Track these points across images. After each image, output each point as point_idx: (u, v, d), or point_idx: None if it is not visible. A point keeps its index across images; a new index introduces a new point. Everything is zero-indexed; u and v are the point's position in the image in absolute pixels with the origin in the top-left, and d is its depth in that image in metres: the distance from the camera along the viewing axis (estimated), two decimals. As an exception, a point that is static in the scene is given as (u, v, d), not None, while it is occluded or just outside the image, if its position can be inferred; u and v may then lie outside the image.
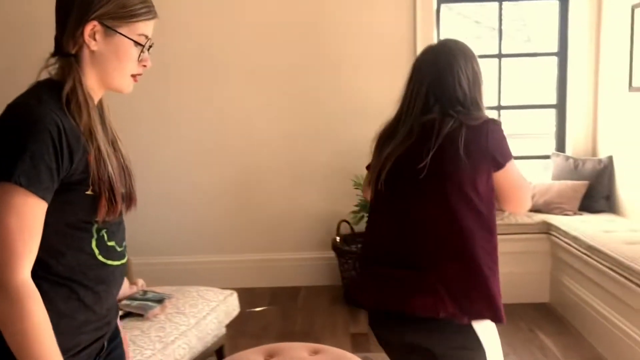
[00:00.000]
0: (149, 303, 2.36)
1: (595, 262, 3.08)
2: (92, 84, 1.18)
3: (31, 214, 1.03)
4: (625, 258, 2.79)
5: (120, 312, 2.31)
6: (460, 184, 1.52)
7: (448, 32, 4.36)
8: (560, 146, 4.22)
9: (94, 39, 1.15)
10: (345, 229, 4.00)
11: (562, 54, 4.16)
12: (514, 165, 1.62)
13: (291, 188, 4.26)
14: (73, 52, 1.15)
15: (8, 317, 1.01)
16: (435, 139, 1.52)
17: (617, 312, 2.92)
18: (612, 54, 3.81)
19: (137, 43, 1.18)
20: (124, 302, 2.39)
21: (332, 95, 4.17)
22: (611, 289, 2.95)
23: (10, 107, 1.08)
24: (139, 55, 1.20)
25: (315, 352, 2.09)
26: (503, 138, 1.60)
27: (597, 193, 3.85)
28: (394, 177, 1.58)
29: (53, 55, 1.18)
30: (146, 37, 1.20)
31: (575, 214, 3.77)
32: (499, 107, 4.25)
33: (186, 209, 4.31)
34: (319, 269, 4.24)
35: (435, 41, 4.03)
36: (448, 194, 1.52)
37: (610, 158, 3.84)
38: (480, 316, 1.52)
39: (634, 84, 3.52)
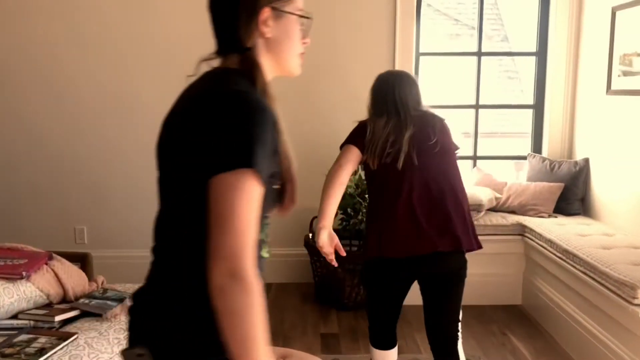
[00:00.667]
0: (109, 302, 2.23)
1: (570, 266, 3.05)
2: (266, 74, 1.17)
3: (257, 201, 1.02)
4: (601, 263, 2.75)
5: (77, 312, 2.18)
6: (454, 156, 2.27)
7: (426, 28, 4.29)
8: (537, 147, 4.18)
9: (267, 26, 1.15)
10: (318, 225, 3.90)
11: (541, 54, 4.12)
12: None
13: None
14: (249, 45, 1.13)
15: (242, 308, 0.98)
16: (436, 125, 2.24)
17: (591, 318, 2.89)
18: (592, 56, 3.78)
19: (303, 17, 1.21)
20: (82, 300, 2.25)
21: (305, 90, 4.06)
22: (586, 294, 2.91)
23: (231, 95, 1.05)
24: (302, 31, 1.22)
25: (283, 358, 1.99)
26: None
27: (572, 195, 3.83)
28: (412, 152, 2.17)
29: (222, 53, 1.16)
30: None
31: (550, 216, 3.75)
32: (477, 106, 4.19)
33: (154, 200, 4.16)
34: (290, 265, 4.15)
35: (414, 36, 4.00)
36: (452, 162, 2.24)
37: (586, 160, 3.82)
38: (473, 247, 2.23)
39: (612, 87, 3.50)
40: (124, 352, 1.14)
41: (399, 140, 2.17)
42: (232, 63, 1.14)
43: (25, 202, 4.13)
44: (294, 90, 4.07)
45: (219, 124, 1.01)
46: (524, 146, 4.33)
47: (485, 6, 4.16)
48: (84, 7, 3.97)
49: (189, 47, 4.13)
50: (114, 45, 4.00)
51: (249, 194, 0.99)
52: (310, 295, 3.91)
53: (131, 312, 1.18)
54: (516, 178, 4.29)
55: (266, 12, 1.14)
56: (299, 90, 4.05)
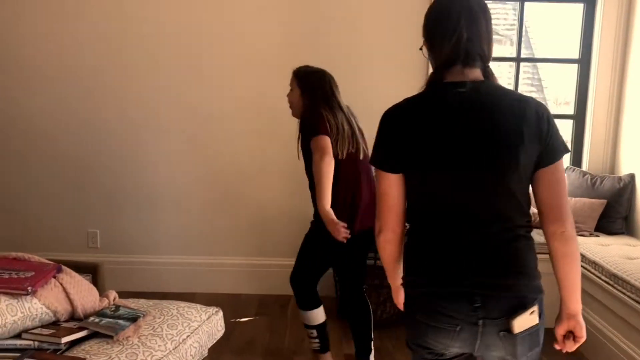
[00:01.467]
0: (120, 322, 2.04)
1: (617, 292, 2.81)
2: None
3: None
4: (658, 293, 2.51)
5: (85, 332, 1.99)
6: None
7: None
8: (577, 160, 3.94)
9: None
10: (342, 237, 3.68)
11: (584, 61, 3.87)
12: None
13: (285, 187, 3.96)
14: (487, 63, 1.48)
15: (577, 249, 1.43)
16: None
17: (641, 350, 2.65)
18: (641, 65, 3.53)
19: None
20: (92, 319, 2.06)
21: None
22: (637, 324, 2.67)
23: (542, 104, 1.45)
24: None
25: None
26: None
27: (615, 213, 3.58)
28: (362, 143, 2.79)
29: (467, 65, 1.42)
30: None
31: (591, 234, 3.50)
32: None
33: (170, 206, 3.99)
34: (311, 277, 3.93)
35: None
36: None
37: (631, 176, 3.57)
38: None
39: (665, 99, 3.26)
40: (510, 319, 1.37)
41: (355, 131, 2.62)
42: (478, 74, 1.43)
43: (38, 203, 3.97)
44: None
45: (553, 125, 1.42)
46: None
47: (510, 13, 3.95)
48: (91, 4, 3.80)
49: (199, 47, 3.96)
50: (128, 49, 3.83)
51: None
52: (332, 310, 3.69)
53: (497, 285, 1.42)
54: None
55: None
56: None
